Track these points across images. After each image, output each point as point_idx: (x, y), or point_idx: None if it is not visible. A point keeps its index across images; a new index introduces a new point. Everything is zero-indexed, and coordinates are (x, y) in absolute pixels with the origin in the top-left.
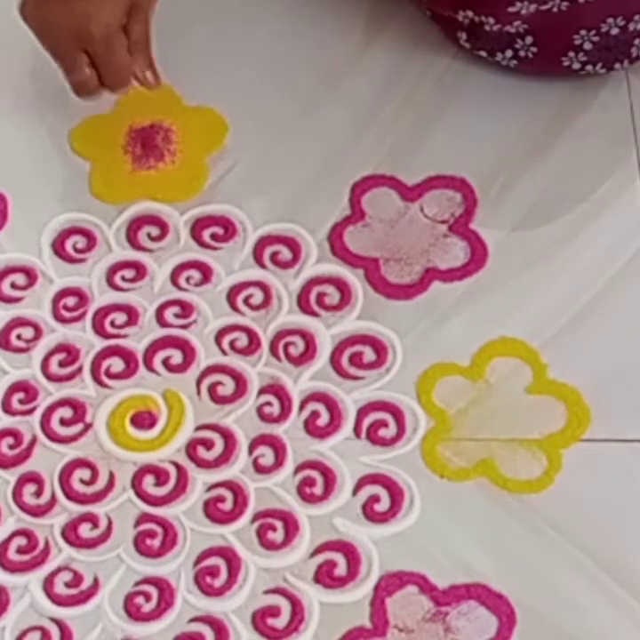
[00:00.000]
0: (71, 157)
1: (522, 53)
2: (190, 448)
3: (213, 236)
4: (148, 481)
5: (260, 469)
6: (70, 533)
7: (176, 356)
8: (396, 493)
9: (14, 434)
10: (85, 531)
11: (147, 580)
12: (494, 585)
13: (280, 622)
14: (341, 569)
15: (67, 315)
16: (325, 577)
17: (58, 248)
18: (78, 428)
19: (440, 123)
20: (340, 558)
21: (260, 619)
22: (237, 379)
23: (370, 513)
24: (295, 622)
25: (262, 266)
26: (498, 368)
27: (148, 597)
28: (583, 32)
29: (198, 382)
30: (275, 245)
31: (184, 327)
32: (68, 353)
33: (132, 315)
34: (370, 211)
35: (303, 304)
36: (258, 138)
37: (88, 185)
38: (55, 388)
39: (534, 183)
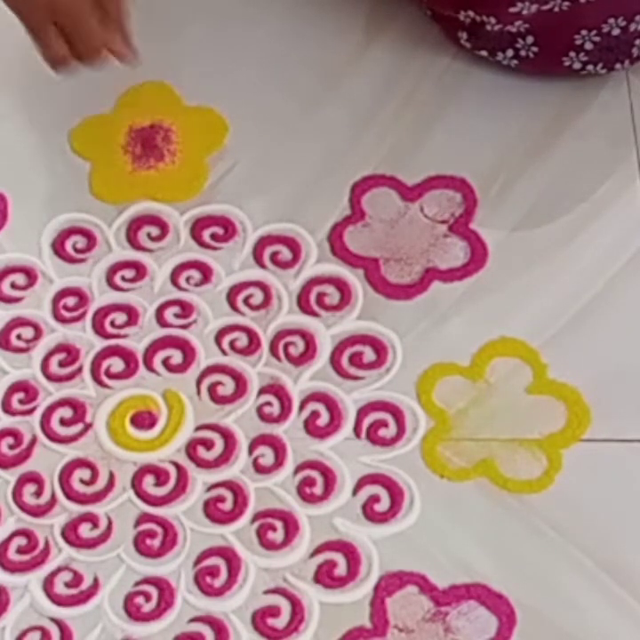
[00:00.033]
0: (71, 157)
1: (523, 53)
2: (190, 448)
3: (213, 236)
4: (148, 481)
5: (260, 469)
6: (70, 533)
7: (176, 356)
8: (396, 493)
9: (14, 434)
10: (85, 531)
11: (147, 580)
12: (494, 585)
13: (280, 622)
14: (341, 569)
15: (67, 315)
16: (325, 577)
17: (58, 248)
18: (78, 428)
19: (440, 123)
20: (340, 558)
21: (260, 619)
22: (237, 379)
23: (370, 513)
24: (295, 622)
25: (262, 266)
26: (498, 368)
27: (148, 597)
28: (584, 32)
29: (198, 382)
30: (275, 245)
31: (184, 327)
32: (68, 353)
33: (131, 315)
34: (370, 211)
35: (303, 304)
36: (258, 138)
37: (88, 185)
38: (55, 388)
39: (534, 183)
